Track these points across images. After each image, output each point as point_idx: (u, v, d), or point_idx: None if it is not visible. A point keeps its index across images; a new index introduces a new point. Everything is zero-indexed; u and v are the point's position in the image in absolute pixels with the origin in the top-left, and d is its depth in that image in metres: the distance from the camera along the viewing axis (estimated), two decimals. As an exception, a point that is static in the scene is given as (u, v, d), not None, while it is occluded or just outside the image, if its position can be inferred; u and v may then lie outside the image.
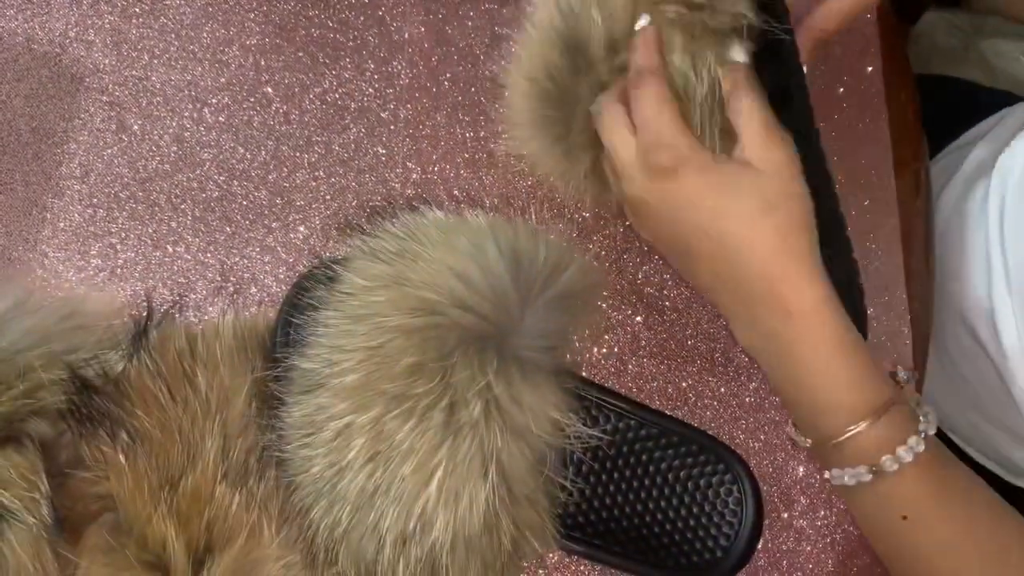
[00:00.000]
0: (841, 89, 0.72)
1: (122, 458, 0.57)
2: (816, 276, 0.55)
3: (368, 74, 0.70)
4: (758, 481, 0.61)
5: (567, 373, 0.58)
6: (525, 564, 0.62)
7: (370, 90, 0.70)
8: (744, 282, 0.55)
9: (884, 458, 0.53)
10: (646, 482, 0.60)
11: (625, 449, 0.61)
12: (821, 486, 0.65)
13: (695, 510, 0.60)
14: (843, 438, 0.54)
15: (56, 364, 0.58)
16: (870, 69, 0.73)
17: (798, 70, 0.60)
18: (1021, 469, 0.81)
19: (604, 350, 0.66)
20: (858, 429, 0.53)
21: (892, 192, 0.71)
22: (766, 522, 0.64)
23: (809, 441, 0.57)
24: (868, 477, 0.54)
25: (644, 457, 0.61)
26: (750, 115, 0.56)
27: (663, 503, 0.60)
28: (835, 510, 0.65)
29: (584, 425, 0.57)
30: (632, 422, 0.61)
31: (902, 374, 0.58)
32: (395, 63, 0.70)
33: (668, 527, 0.60)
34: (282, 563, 0.57)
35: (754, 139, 0.56)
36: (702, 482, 0.61)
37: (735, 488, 0.60)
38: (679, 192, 0.56)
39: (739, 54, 0.58)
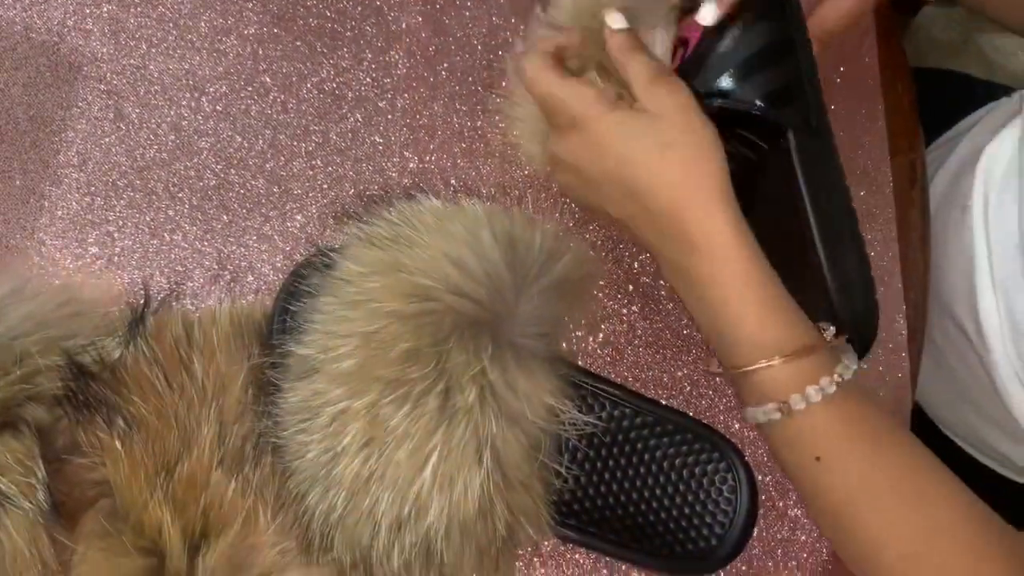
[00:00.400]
0: (838, 79, 0.73)
1: (118, 444, 0.57)
2: (722, 207, 0.55)
3: (366, 63, 0.70)
4: (753, 470, 0.61)
5: (562, 360, 0.58)
6: (520, 551, 0.62)
7: (367, 79, 0.70)
8: (654, 220, 0.57)
9: (792, 396, 0.53)
10: (641, 470, 0.60)
11: (620, 437, 0.61)
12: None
13: (690, 498, 0.60)
14: (750, 368, 0.54)
15: (53, 350, 0.58)
16: (867, 59, 0.73)
17: (800, 27, 0.60)
18: (1013, 463, 0.81)
19: (600, 339, 0.67)
20: (768, 364, 0.54)
21: (888, 182, 0.71)
22: (761, 511, 0.64)
23: (720, 368, 0.58)
24: (777, 415, 0.54)
25: (639, 445, 0.61)
26: (638, 69, 0.58)
27: (658, 491, 0.60)
28: (830, 499, 0.65)
29: (579, 412, 0.57)
30: (627, 410, 0.61)
31: (828, 329, 0.58)
32: (392, 52, 0.70)
33: (663, 515, 0.60)
34: (278, 549, 0.57)
35: (645, 90, 0.58)
36: (697, 470, 0.61)
37: (730, 476, 0.61)
38: (583, 144, 0.58)
39: (616, 22, 0.60)
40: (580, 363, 0.66)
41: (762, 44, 0.59)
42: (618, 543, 0.60)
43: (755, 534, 0.64)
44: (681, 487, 0.60)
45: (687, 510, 0.60)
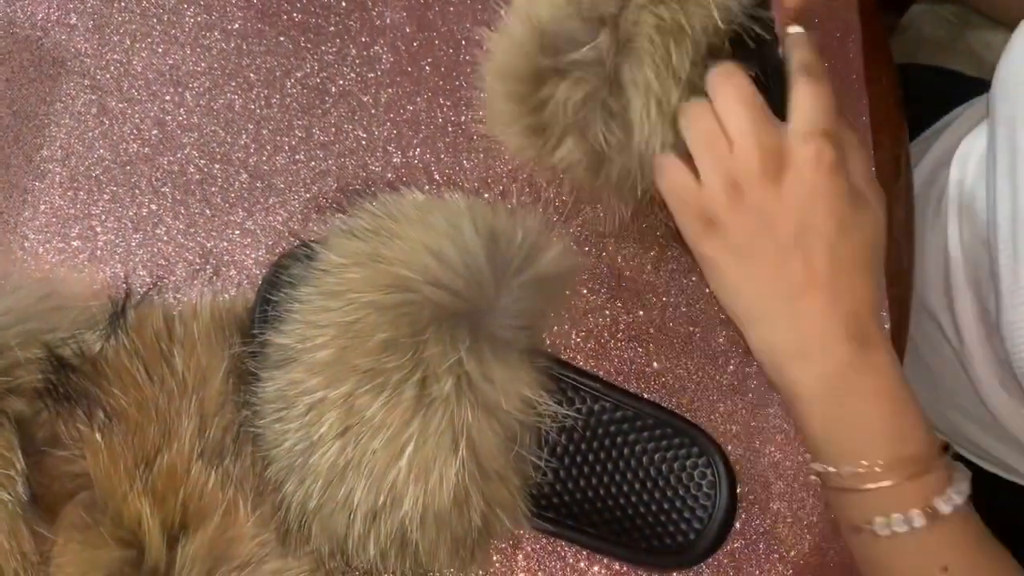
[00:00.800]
0: (822, 75, 0.73)
1: (98, 436, 0.57)
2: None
3: (350, 59, 0.70)
4: (732, 465, 0.61)
5: (542, 353, 0.58)
6: (497, 542, 0.62)
7: (351, 74, 0.70)
8: (839, 298, 0.53)
9: (936, 500, 0.52)
10: (620, 464, 0.60)
11: (600, 431, 0.61)
12: (798, 470, 0.65)
13: (669, 493, 0.60)
14: (885, 470, 0.52)
15: (33, 343, 0.58)
16: (851, 54, 0.73)
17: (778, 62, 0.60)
18: (993, 457, 0.81)
19: (583, 333, 0.67)
20: (911, 471, 0.52)
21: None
22: (742, 504, 0.64)
23: (832, 469, 0.54)
24: (920, 522, 0.52)
25: (619, 439, 0.61)
26: (858, 157, 0.55)
27: (637, 485, 0.60)
28: (811, 493, 0.65)
29: (559, 405, 0.57)
30: (607, 404, 0.61)
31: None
32: (376, 47, 0.71)
33: (642, 509, 0.60)
34: (257, 540, 0.58)
35: (864, 176, 0.55)
36: (676, 465, 0.61)
37: (709, 471, 0.61)
38: (825, 187, 0.52)
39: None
40: (562, 357, 0.65)
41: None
42: (596, 536, 0.60)
43: (737, 528, 0.64)
44: (660, 481, 0.60)
45: (666, 504, 0.60)
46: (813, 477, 0.57)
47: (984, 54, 1.02)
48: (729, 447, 0.65)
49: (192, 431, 0.58)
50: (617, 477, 0.60)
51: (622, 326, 0.67)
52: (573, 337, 0.67)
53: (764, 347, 0.55)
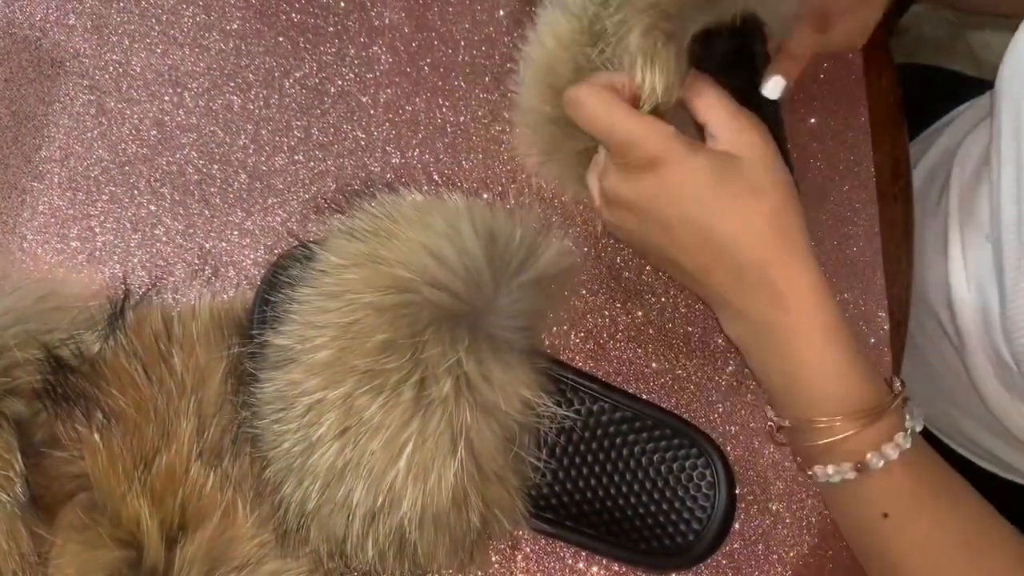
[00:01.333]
0: (821, 75, 0.73)
1: (97, 437, 0.57)
2: (808, 261, 0.55)
3: (348, 59, 0.70)
4: (731, 465, 0.61)
5: (541, 354, 0.58)
6: (496, 543, 0.62)
7: (350, 75, 0.70)
8: (734, 270, 0.55)
9: (870, 455, 0.53)
10: (619, 465, 0.60)
11: (599, 432, 0.61)
12: (797, 470, 0.65)
13: (668, 493, 0.60)
14: (824, 424, 0.54)
15: (31, 344, 0.58)
16: (850, 55, 0.73)
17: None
18: (992, 456, 0.81)
19: (582, 334, 0.67)
20: (845, 421, 0.53)
21: (871, 177, 0.71)
22: (742, 505, 0.64)
23: (787, 422, 0.57)
24: (852, 474, 0.54)
25: (618, 440, 0.61)
26: (716, 105, 0.56)
27: (636, 486, 0.60)
28: (811, 493, 0.65)
29: (558, 406, 0.57)
30: (606, 405, 0.61)
31: (896, 383, 0.58)
32: (375, 48, 0.70)
33: (640, 510, 0.60)
34: (256, 541, 0.57)
35: (725, 126, 0.56)
36: (675, 466, 0.61)
37: (708, 472, 0.61)
38: (660, 186, 0.55)
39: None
40: (561, 357, 0.65)
41: None
42: (595, 537, 0.60)
43: (736, 528, 0.64)
44: (660, 482, 0.60)
45: (665, 505, 0.60)
46: (769, 424, 0.60)
47: (984, 54, 1.02)
48: (728, 448, 0.65)
49: (191, 432, 0.58)
50: (616, 478, 0.60)
51: (621, 327, 0.67)
52: (572, 338, 0.66)
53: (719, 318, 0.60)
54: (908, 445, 0.54)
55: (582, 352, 0.66)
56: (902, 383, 0.57)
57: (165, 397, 0.58)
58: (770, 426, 0.60)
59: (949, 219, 0.73)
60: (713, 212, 0.55)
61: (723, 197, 0.54)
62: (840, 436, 0.54)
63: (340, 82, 0.70)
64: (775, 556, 0.64)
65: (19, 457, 0.55)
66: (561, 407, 0.58)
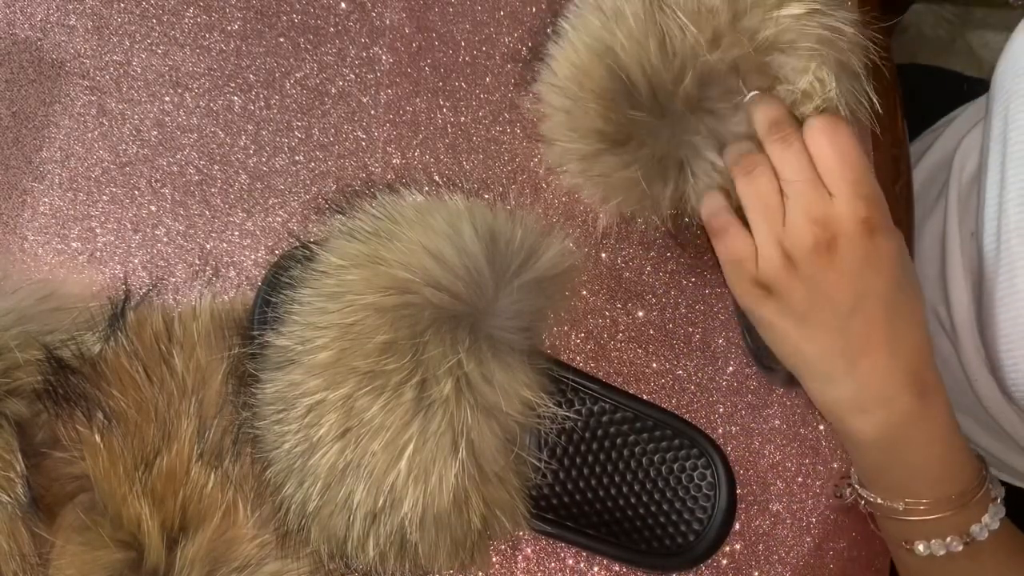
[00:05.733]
0: (821, 76, 0.73)
1: (98, 438, 0.57)
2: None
3: (349, 59, 0.70)
4: (732, 466, 0.61)
5: (541, 354, 0.58)
6: (497, 544, 0.62)
7: (351, 75, 0.70)
8: (897, 353, 0.55)
9: (974, 527, 0.56)
10: (620, 465, 0.60)
11: (600, 432, 0.61)
12: (797, 470, 0.65)
13: (668, 494, 0.60)
14: (943, 514, 0.56)
15: (32, 345, 0.58)
16: (850, 56, 0.73)
17: None
18: (993, 456, 0.81)
19: (582, 334, 0.67)
20: (957, 503, 0.56)
21: (871, 178, 0.71)
22: (742, 506, 0.64)
23: (850, 498, 0.60)
24: (960, 547, 0.56)
25: (618, 440, 0.61)
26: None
27: (636, 486, 0.60)
28: (811, 494, 0.65)
29: (558, 407, 0.57)
30: (607, 405, 0.61)
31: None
32: (376, 48, 0.70)
33: (641, 511, 0.60)
34: (257, 542, 0.58)
35: (886, 216, 0.57)
36: (676, 466, 0.61)
37: (709, 473, 0.61)
38: (875, 251, 0.54)
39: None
40: (562, 358, 0.65)
41: None
42: (596, 538, 0.60)
43: (736, 529, 0.64)
44: (660, 483, 0.60)
45: (666, 506, 0.60)
46: (861, 501, 0.60)
47: (984, 54, 1.02)
48: (728, 448, 0.65)
49: (191, 433, 0.58)
50: (616, 478, 0.60)
51: (621, 327, 0.67)
52: (572, 338, 0.67)
53: (826, 400, 0.57)
54: (1003, 514, 0.56)
55: (582, 353, 0.66)
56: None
57: (166, 398, 0.58)
58: (851, 499, 0.62)
59: (948, 218, 0.73)
60: (903, 295, 0.55)
61: (908, 285, 0.56)
62: (949, 512, 0.56)
63: (341, 83, 0.70)
64: (775, 556, 0.64)
65: (20, 458, 0.55)
66: (562, 408, 0.58)
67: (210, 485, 0.58)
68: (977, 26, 1.01)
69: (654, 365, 0.66)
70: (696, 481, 0.60)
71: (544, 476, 0.58)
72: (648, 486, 0.60)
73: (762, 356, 0.64)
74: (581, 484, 0.60)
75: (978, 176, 0.71)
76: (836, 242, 0.54)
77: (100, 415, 0.57)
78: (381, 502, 0.51)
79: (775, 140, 0.56)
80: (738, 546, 0.64)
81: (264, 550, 0.57)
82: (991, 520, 0.56)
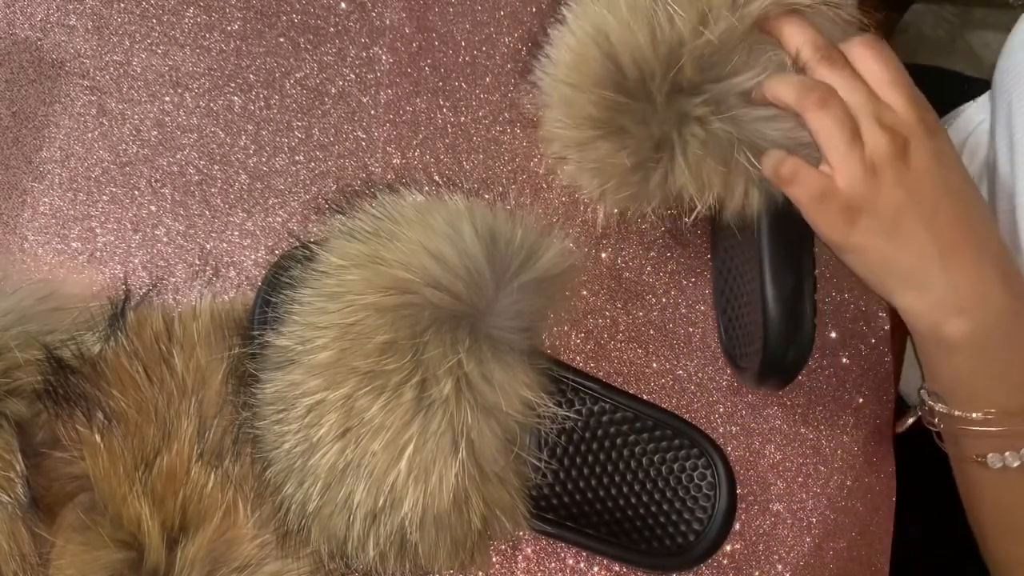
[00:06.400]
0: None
1: (98, 438, 0.57)
2: None
3: (349, 59, 0.70)
4: (732, 466, 0.61)
5: (541, 354, 0.58)
6: (497, 543, 0.62)
7: (351, 75, 0.70)
8: (985, 249, 0.56)
9: None
10: (620, 465, 0.60)
11: (600, 432, 0.61)
12: (797, 470, 0.65)
13: (668, 494, 0.60)
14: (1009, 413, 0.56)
15: (32, 345, 0.58)
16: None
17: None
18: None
19: (582, 334, 0.67)
20: None
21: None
22: (742, 506, 0.64)
23: (958, 412, 0.58)
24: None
25: (619, 441, 0.61)
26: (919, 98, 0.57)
27: (636, 486, 0.60)
28: (811, 493, 0.65)
29: (558, 407, 0.57)
30: (607, 405, 0.61)
31: None
32: (376, 48, 0.70)
33: (641, 511, 0.60)
34: (257, 542, 0.58)
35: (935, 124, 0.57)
36: (676, 466, 0.61)
37: (709, 473, 0.61)
38: (941, 149, 0.56)
39: None
40: (562, 358, 0.65)
41: None
42: (596, 538, 0.60)
43: (737, 529, 0.64)
44: (660, 483, 0.60)
45: (666, 506, 0.60)
46: (926, 409, 0.60)
47: (984, 54, 1.02)
48: (729, 448, 0.65)
49: (191, 433, 0.58)
50: (617, 478, 0.60)
51: (621, 327, 0.67)
52: (572, 338, 0.67)
53: (922, 309, 0.57)
54: None
55: (582, 352, 0.66)
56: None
57: (166, 398, 0.58)
58: (925, 410, 0.61)
59: None
60: (972, 185, 0.57)
61: (972, 178, 0.57)
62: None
63: (341, 82, 0.70)
64: (775, 556, 0.64)
65: (20, 458, 0.55)
66: (562, 408, 0.58)
67: (210, 485, 0.57)
68: (977, 26, 1.01)
69: (654, 365, 0.66)
70: (696, 481, 0.60)
71: (544, 476, 0.58)
72: (648, 486, 0.60)
73: (735, 355, 0.64)
74: (581, 484, 0.60)
75: (981, 176, 0.71)
76: (908, 145, 0.55)
77: (100, 415, 0.57)
78: (381, 502, 0.51)
79: (823, 62, 0.57)
80: (738, 546, 0.64)
81: (264, 550, 0.57)
82: None
